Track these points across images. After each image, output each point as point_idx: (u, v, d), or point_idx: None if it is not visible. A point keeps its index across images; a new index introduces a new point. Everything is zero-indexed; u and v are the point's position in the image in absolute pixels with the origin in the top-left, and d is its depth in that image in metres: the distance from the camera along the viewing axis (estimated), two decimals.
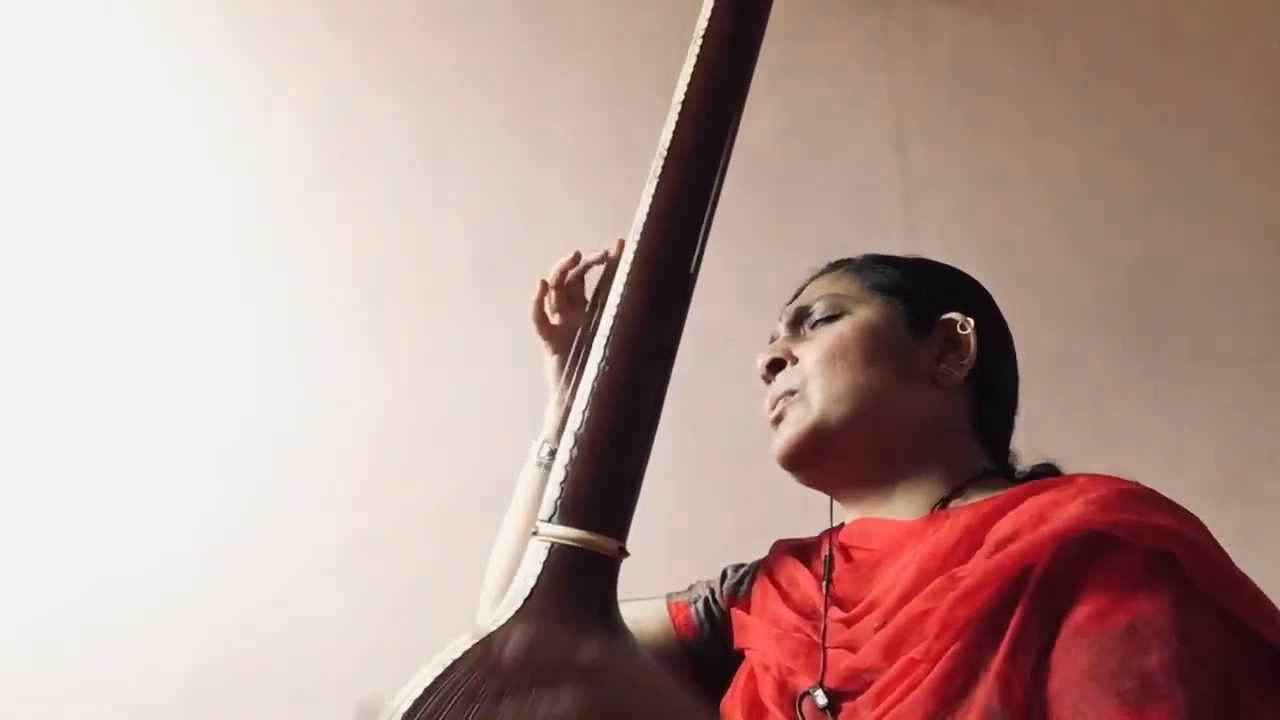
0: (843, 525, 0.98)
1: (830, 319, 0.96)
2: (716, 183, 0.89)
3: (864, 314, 0.95)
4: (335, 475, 1.85)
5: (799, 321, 0.99)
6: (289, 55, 1.99)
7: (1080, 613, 0.71)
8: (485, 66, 2.02)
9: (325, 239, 1.94)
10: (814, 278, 1.05)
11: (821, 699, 0.82)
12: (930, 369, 0.94)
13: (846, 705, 0.81)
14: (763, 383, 1.00)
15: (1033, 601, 0.73)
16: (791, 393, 0.94)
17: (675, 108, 0.88)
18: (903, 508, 0.91)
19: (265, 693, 1.76)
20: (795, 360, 0.96)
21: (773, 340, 1.03)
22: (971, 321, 0.94)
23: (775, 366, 0.97)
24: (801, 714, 0.83)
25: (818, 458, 0.93)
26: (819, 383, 0.93)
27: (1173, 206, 2.06)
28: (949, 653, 0.74)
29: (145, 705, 1.74)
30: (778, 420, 0.95)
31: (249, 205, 1.94)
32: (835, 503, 0.99)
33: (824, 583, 0.90)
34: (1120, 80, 2.10)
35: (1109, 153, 2.07)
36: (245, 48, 1.98)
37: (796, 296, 1.04)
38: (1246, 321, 2.02)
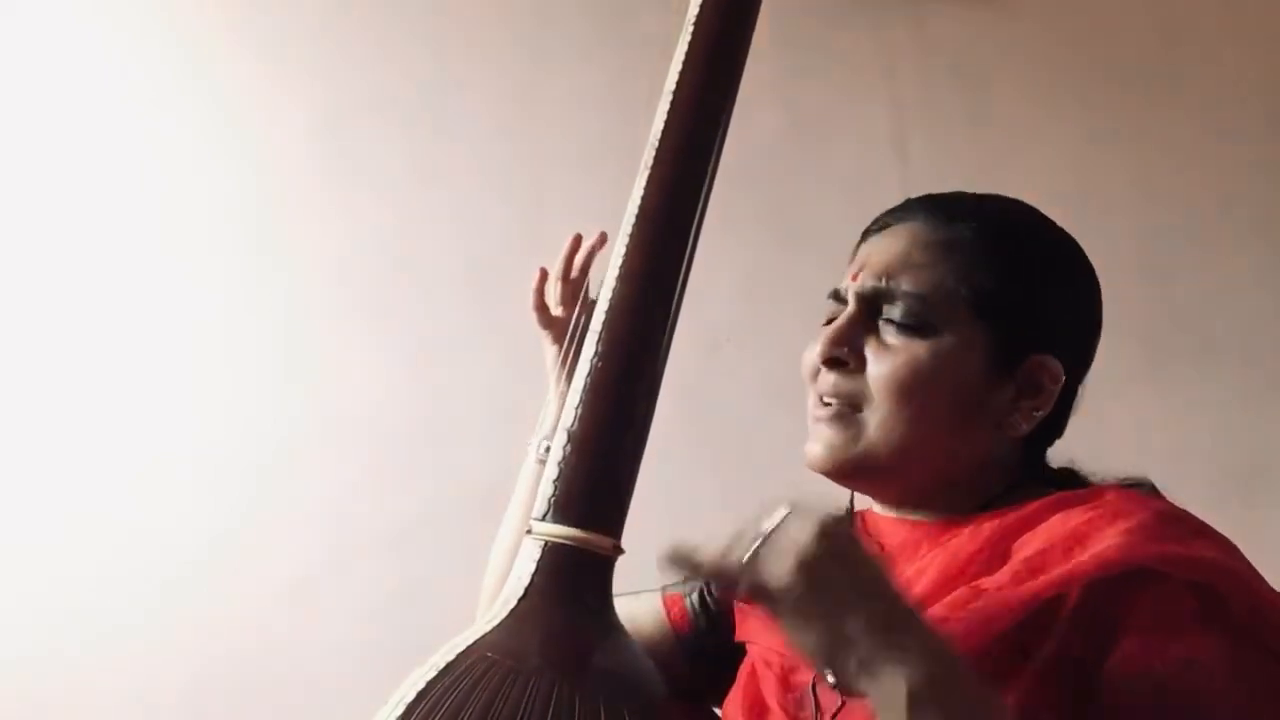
0: (853, 516, 0.94)
1: (913, 329, 0.83)
2: (709, 174, 0.87)
3: (951, 342, 0.82)
4: (335, 475, 1.85)
5: (875, 304, 0.85)
6: (288, 55, 1.99)
7: (1129, 651, 0.69)
8: (483, 68, 2.02)
9: (324, 240, 1.94)
10: (910, 214, 0.88)
11: (831, 677, 0.81)
12: (999, 413, 0.83)
13: (849, 702, 0.80)
14: (807, 373, 0.88)
15: (1070, 632, 0.71)
16: (846, 404, 0.84)
17: (666, 98, 0.87)
18: (924, 515, 0.87)
19: (265, 692, 1.77)
20: (860, 363, 0.84)
21: (836, 298, 0.89)
22: (1062, 377, 0.83)
23: (836, 364, 0.85)
24: (816, 699, 0.82)
25: (852, 477, 0.87)
26: (881, 414, 0.83)
27: (1173, 206, 2.05)
28: None
29: (145, 705, 1.75)
30: (818, 419, 0.86)
31: (247, 205, 1.94)
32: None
33: None
34: (1120, 79, 2.10)
35: (1109, 152, 2.06)
36: (244, 48, 1.98)
37: (880, 231, 0.88)
38: (1246, 321, 2.01)
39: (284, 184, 1.95)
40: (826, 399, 0.85)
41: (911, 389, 0.82)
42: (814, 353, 0.86)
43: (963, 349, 0.83)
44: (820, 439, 0.85)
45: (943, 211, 0.87)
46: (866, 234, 0.91)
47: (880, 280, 0.85)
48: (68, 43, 1.94)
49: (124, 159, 1.92)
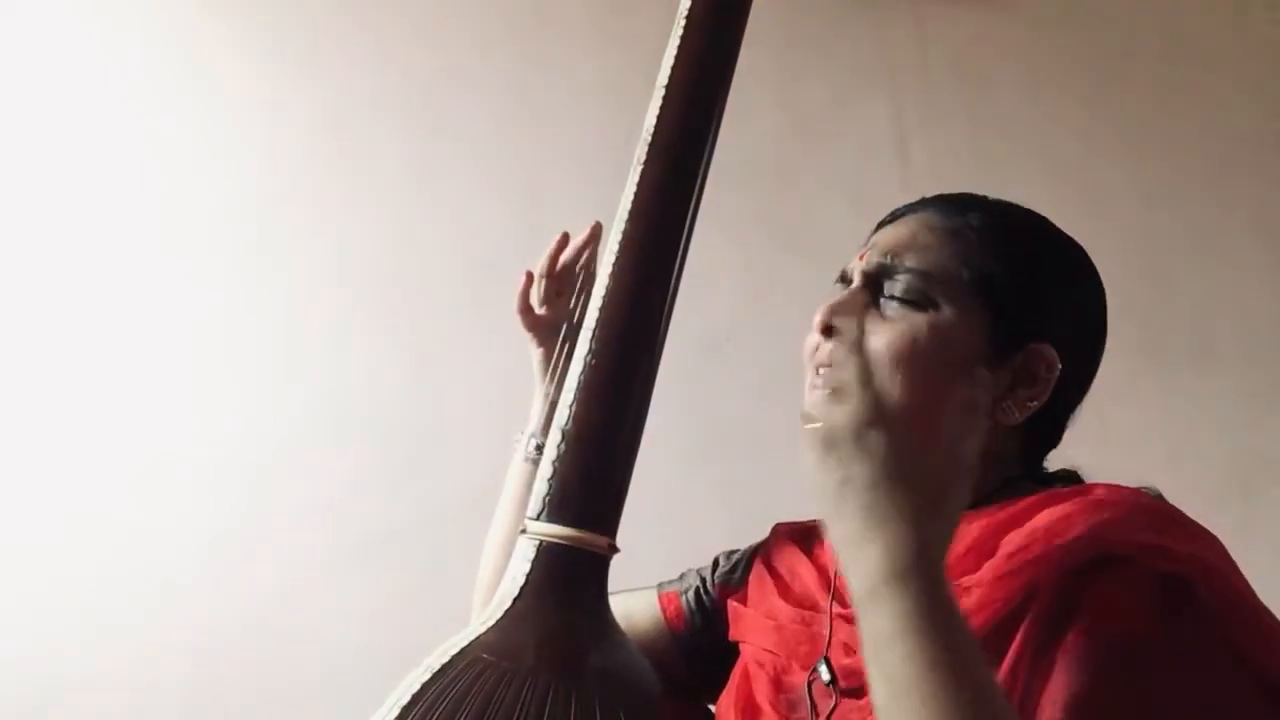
0: None
1: (913, 304, 0.83)
2: (702, 170, 0.86)
3: (950, 318, 0.82)
4: (335, 475, 1.85)
5: (879, 280, 0.86)
6: (288, 57, 1.99)
7: (1076, 630, 0.70)
8: (483, 68, 2.02)
9: (324, 240, 1.94)
10: (923, 206, 0.90)
11: (826, 674, 0.81)
12: (993, 401, 0.83)
13: (843, 704, 0.80)
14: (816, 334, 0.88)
15: (1036, 620, 0.71)
16: None
17: (659, 92, 0.86)
18: None
19: (264, 692, 1.76)
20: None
21: (843, 279, 0.90)
22: (1059, 367, 0.83)
23: (833, 333, 0.85)
24: (811, 698, 0.82)
25: None
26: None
27: (1173, 206, 2.05)
28: None
29: (145, 704, 1.75)
30: (814, 388, 0.86)
31: (248, 206, 1.94)
32: None
33: (834, 575, 0.87)
34: (1120, 79, 2.10)
35: (1109, 152, 2.06)
36: (244, 49, 1.98)
37: (892, 221, 0.90)
38: (1246, 321, 2.01)
39: (284, 184, 1.95)
40: (822, 368, 0.86)
41: (904, 358, 0.82)
42: (817, 323, 0.87)
43: (961, 327, 0.83)
44: (813, 409, 0.84)
45: (954, 204, 0.89)
46: (879, 226, 0.92)
47: (886, 258, 0.86)
48: (68, 43, 1.94)
49: (124, 159, 1.92)
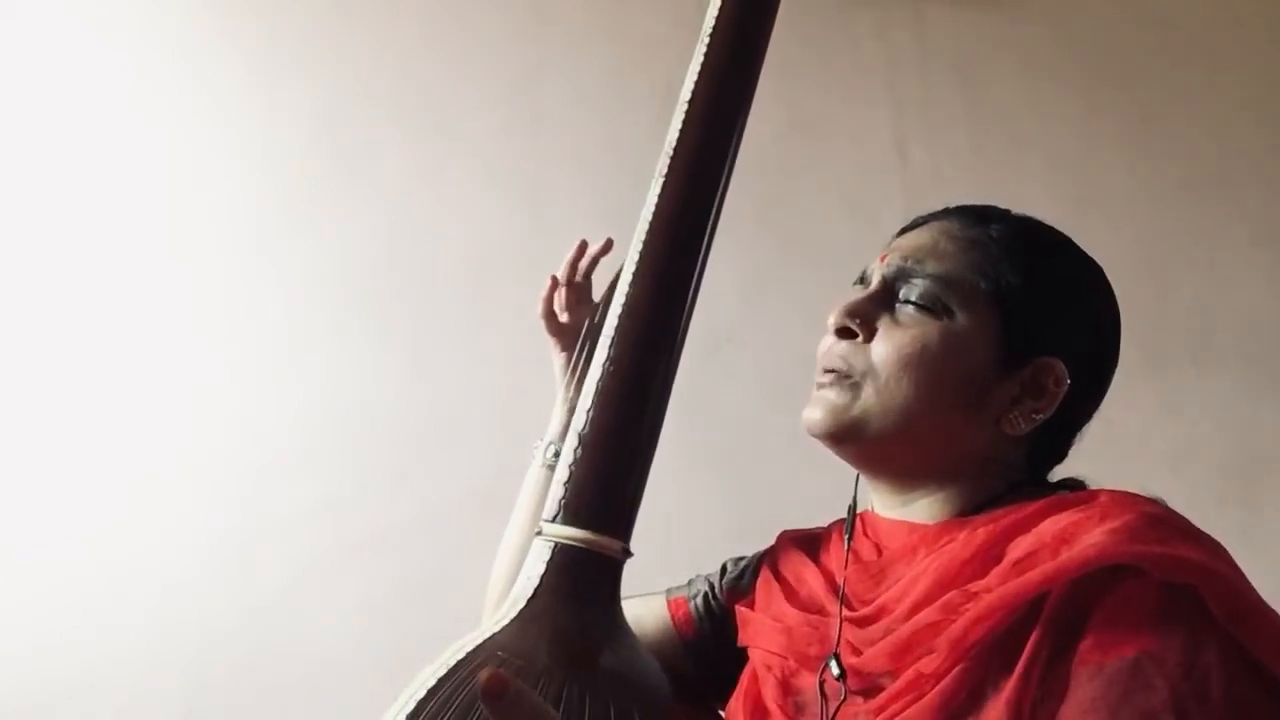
0: (855, 517, 0.94)
1: (928, 310, 0.85)
2: (723, 184, 0.88)
3: (963, 326, 0.84)
4: (335, 475, 1.85)
5: (897, 284, 0.87)
6: (287, 56, 1.99)
7: (1090, 643, 0.70)
8: (483, 69, 2.02)
9: (324, 240, 1.94)
10: (946, 214, 0.92)
11: (836, 668, 0.81)
12: (999, 410, 0.85)
13: (851, 701, 0.81)
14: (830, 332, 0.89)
15: (1047, 630, 0.72)
16: (849, 373, 0.86)
17: (681, 107, 0.87)
18: (921, 511, 0.87)
19: (264, 691, 1.76)
20: (870, 336, 0.86)
21: (861, 281, 0.91)
22: (1068, 381, 0.84)
23: (846, 334, 0.87)
24: (823, 694, 0.82)
25: (846, 441, 0.87)
26: (878, 384, 0.84)
27: (1173, 206, 2.06)
28: (956, 672, 0.73)
29: (145, 704, 1.75)
30: (821, 386, 0.88)
31: (249, 207, 1.94)
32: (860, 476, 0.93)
33: (843, 574, 0.88)
34: (1120, 79, 2.11)
35: (1109, 152, 2.07)
36: (244, 50, 1.98)
37: (915, 228, 0.92)
38: (1246, 321, 2.02)
39: (284, 184, 1.95)
40: (831, 368, 0.87)
41: (914, 363, 0.84)
42: (830, 323, 0.88)
43: (973, 336, 0.84)
44: (819, 402, 0.87)
45: (976, 214, 0.90)
46: (902, 231, 0.93)
47: (906, 262, 0.88)
48: (68, 46, 1.93)
49: (123, 160, 1.92)
